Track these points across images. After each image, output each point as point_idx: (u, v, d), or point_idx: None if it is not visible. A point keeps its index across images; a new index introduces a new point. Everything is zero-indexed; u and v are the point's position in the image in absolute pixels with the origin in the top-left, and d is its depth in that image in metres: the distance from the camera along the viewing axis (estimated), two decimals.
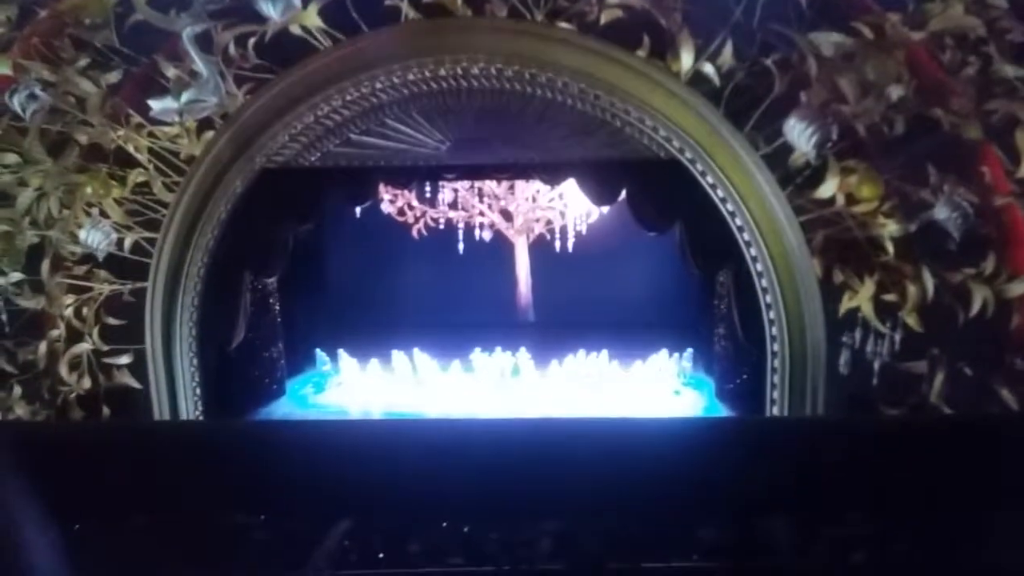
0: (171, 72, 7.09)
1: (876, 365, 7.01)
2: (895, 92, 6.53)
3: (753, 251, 7.12)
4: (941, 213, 6.61)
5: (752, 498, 4.37)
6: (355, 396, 9.23)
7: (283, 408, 9.06)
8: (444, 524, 4.28)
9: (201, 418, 7.87)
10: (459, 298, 10.56)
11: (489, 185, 10.41)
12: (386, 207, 10.35)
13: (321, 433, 5.26)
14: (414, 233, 10.58)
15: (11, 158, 7.39)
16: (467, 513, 4.30)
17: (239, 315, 8.29)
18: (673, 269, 9.13)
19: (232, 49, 7.04)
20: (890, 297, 6.93)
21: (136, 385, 7.79)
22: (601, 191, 8.09)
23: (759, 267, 7.14)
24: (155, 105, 7.08)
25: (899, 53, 6.50)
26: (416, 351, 9.53)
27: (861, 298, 6.96)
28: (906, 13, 6.48)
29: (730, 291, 7.94)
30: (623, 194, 7.98)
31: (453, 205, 10.46)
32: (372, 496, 4.33)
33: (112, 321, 7.72)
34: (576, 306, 10.51)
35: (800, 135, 6.61)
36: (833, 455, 4.53)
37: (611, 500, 4.32)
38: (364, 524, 4.24)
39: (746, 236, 7.11)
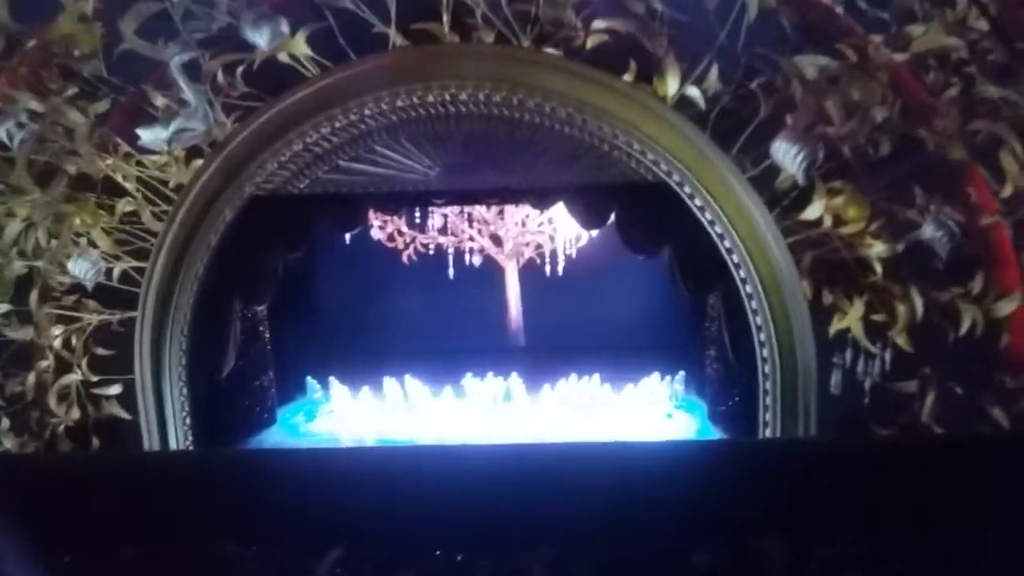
0: (159, 101, 7.12)
1: (867, 385, 7.02)
2: (880, 114, 6.59)
3: (742, 273, 7.15)
4: (927, 233, 6.65)
5: (745, 520, 4.38)
6: (347, 423, 9.21)
7: (274, 437, 9.02)
8: (437, 552, 4.27)
9: (191, 448, 7.82)
10: (450, 323, 10.57)
11: (478, 210, 10.45)
12: (376, 233, 10.38)
13: (312, 461, 5.25)
14: (404, 259, 10.61)
15: None
16: (460, 541, 4.29)
17: (229, 344, 8.26)
18: (663, 292, 9.14)
19: (220, 77, 7.07)
20: (879, 317, 6.96)
21: (125, 416, 7.74)
22: (590, 215, 8.12)
23: (748, 289, 7.16)
24: (143, 134, 7.09)
25: (883, 75, 6.57)
26: (407, 377, 9.52)
27: (851, 319, 6.99)
28: (889, 35, 6.57)
29: (720, 313, 7.95)
30: (612, 218, 8.02)
31: (443, 230, 10.49)
32: (363, 524, 4.32)
33: (101, 351, 7.69)
34: (567, 330, 10.53)
35: (786, 156, 6.64)
36: (825, 476, 4.54)
37: (604, 525, 4.32)
38: (355, 553, 4.22)
39: (735, 258, 7.14)
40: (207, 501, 4.45)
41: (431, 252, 10.59)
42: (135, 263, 7.55)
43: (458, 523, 4.32)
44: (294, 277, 9.04)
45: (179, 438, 7.83)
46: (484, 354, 10.14)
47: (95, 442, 7.69)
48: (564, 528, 4.30)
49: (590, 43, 6.85)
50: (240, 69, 7.06)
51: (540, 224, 10.49)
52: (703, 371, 8.98)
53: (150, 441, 7.76)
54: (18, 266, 7.53)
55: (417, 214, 9.80)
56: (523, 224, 10.62)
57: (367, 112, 7.20)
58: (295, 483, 4.53)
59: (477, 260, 10.52)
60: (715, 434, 8.49)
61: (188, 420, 7.86)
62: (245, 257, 7.93)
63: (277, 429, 9.22)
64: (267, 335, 9.14)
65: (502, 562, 4.14)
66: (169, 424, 7.80)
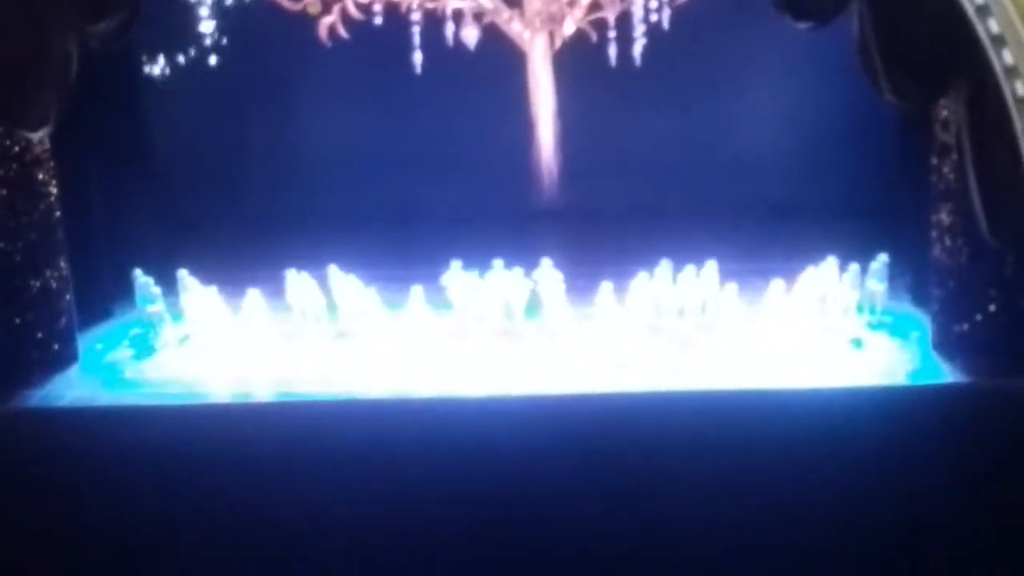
0: None
1: None
2: None
3: (1008, 54, 7.11)
4: None
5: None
6: (214, 361, 9.29)
7: (73, 388, 9.08)
8: None
9: None
10: (417, 164, 10.60)
11: None
12: None
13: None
14: (322, 34, 10.55)
15: None
16: None
17: None
18: (841, 98, 9.26)
19: None
20: None
21: None
22: None
23: (1021, 87, 7.13)
24: None
25: None
26: (333, 269, 9.57)
27: None
28: None
29: (962, 137, 7.89)
30: None
31: None
32: None
33: None
34: (649, 175, 10.55)
35: None
36: None
37: None
38: None
39: (993, 25, 7.10)
40: None
41: (377, 20, 10.51)
42: None
43: None
44: (108, 78, 9.08)
45: None
46: (485, 223, 10.24)
47: None
48: None
49: None
50: None
51: None
52: (924, 254, 8.97)
53: None
54: None
55: None
56: None
57: None
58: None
59: (471, 35, 10.46)
60: (950, 376, 8.52)
61: None
62: (7, 38, 7.92)
63: (78, 373, 9.30)
64: (53, 192, 9.14)
65: None
66: None
